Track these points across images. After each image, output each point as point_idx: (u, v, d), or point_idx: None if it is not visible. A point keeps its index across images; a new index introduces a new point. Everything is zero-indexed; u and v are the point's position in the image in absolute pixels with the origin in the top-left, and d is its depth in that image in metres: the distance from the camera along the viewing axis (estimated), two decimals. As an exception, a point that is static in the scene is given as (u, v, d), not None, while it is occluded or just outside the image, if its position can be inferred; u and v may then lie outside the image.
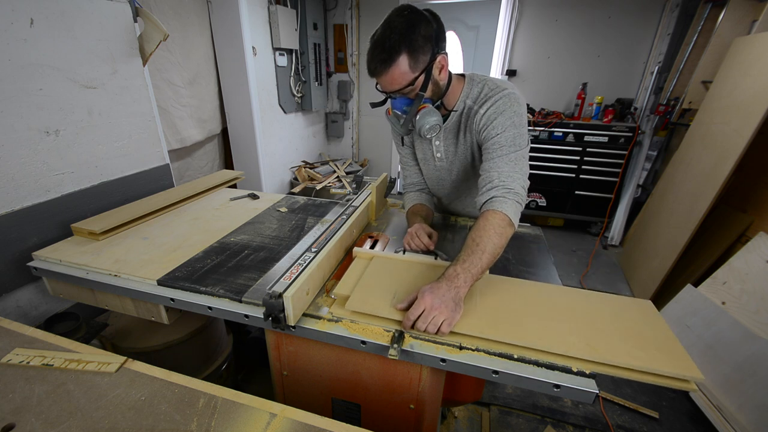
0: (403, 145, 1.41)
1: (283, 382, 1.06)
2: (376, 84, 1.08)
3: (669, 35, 3.25)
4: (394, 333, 0.86)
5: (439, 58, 1.03)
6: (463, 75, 1.20)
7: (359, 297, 0.93)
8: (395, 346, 0.81)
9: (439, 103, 1.14)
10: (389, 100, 1.14)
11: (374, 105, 1.18)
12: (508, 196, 1.01)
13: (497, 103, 1.09)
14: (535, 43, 3.72)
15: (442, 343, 0.84)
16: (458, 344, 0.83)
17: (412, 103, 1.08)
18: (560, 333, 0.84)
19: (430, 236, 1.20)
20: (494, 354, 0.82)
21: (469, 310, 0.90)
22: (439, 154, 1.29)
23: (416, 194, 1.44)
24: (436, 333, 0.85)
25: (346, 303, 0.91)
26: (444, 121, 1.20)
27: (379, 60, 0.99)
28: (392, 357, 0.80)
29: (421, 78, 1.03)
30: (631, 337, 0.83)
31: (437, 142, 1.26)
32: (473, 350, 0.83)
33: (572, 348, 0.79)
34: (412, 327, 0.85)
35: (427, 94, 1.07)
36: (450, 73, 1.14)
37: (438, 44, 1.02)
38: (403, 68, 0.99)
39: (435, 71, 1.05)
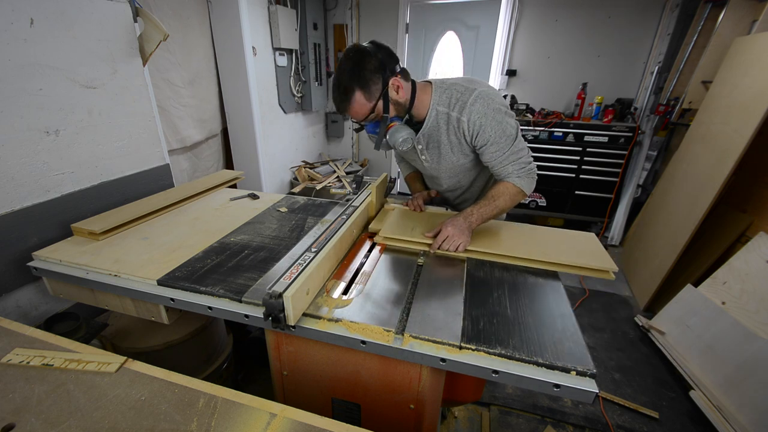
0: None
1: (283, 382, 1.06)
2: (350, 117, 1.22)
3: (669, 35, 3.25)
4: (420, 252, 1.24)
5: (391, 81, 1.15)
6: (429, 82, 1.27)
7: (389, 229, 1.31)
8: (422, 257, 1.21)
9: (407, 117, 1.26)
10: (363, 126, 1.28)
11: (357, 129, 1.31)
12: (522, 173, 1.24)
13: (475, 108, 1.18)
14: (535, 43, 3.72)
15: (442, 343, 0.84)
16: (458, 344, 0.83)
17: (380, 125, 1.22)
18: (530, 248, 1.23)
19: (430, 197, 1.55)
20: (494, 354, 0.82)
21: (476, 238, 1.27)
22: (424, 157, 1.38)
23: (409, 164, 1.64)
24: (456, 251, 1.21)
25: (380, 232, 1.30)
26: (420, 128, 1.29)
27: (339, 100, 1.16)
28: (419, 264, 1.17)
29: (380, 103, 1.16)
30: (574, 250, 1.22)
31: (420, 146, 1.34)
32: (473, 350, 0.83)
33: (535, 255, 1.18)
34: (439, 248, 1.22)
35: (392, 113, 1.20)
36: (414, 84, 1.24)
37: (387, 71, 1.13)
38: (360, 102, 1.14)
39: (392, 93, 1.17)
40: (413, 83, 1.24)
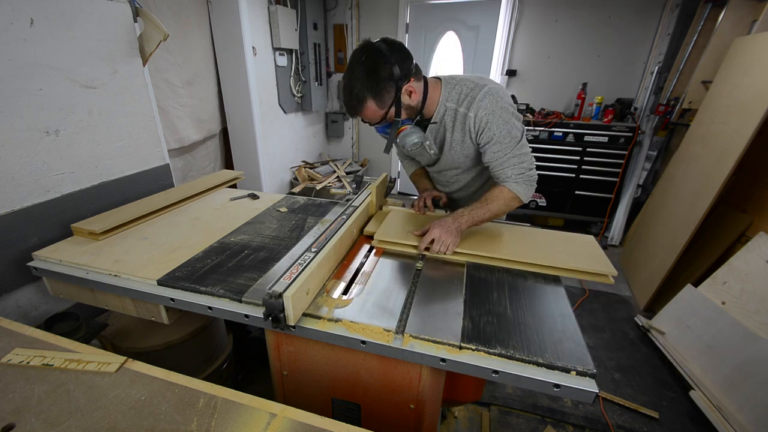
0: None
1: (283, 382, 1.06)
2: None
3: (669, 35, 3.25)
4: (418, 256, 1.22)
5: (404, 87, 1.11)
6: (438, 79, 1.25)
7: (383, 233, 1.28)
8: (420, 262, 1.19)
9: (418, 117, 1.23)
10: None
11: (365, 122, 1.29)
12: (520, 179, 1.21)
13: (483, 104, 1.15)
14: (535, 43, 3.72)
15: (442, 343, 0.84)
16: (458, 344, 0.83)
17: (391, 127, 1.19)
18: (529, 252, 1.20)
19: (439, 198, 1.49)
20: (494, 354, 0.82)
21: (467, 240, 1.25)
22: (433, 151, 1.35)
23: (415, 162, 1.61)
24: (445, 253, 1.19)
25: (375, 235, 1.27)
26: (428, 125, 1.28)
27: (351, 106, 1.13)
28: (418, 268, 1.15)
29: (392, 109, 1.13)
30: (574, 253, 1.20)
31: (427, 143, 1.31)
32: (473, 350, 0.83)
33: (534, 258, 1.16)
34: (427, 249, 1.20)
35: (403, 116, 1.17)
36: (426, 82, 1.21)
37: (401, 76, 1.09)
38: (372, 109, 1.12)
39: (404, 98, 1.14)
40: (425, 81, 1.21)
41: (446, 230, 1.19)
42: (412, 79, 1.12)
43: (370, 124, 1.21)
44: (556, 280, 1.13)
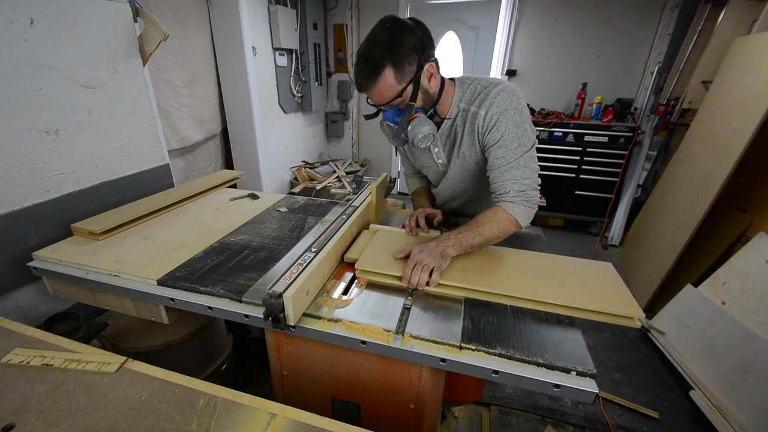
0: (403, 153, 1.43)
1: (283, 382, 1.06)
2: (367, 98, 1.09)
3: (669, 35, 3.25)
4: (408, 289, 1.01)
5: (426, 67, 1.02)
6: (453, 79, 1.18)
7: (366, 259, 1.08)
8: (410, 298, 0.98)
9: (432, 111, 1.13)
10: (381, 112, 1.13)
11: (368, 117, 1.18)
12: (518, 200, 1.07)
13: (496, 101, 1.05)
14: (535, 43, 3.72)
15: (442, 343, 0.84)
16: (458, 344, 0.83)
17: (403, 114, 1.08)
18: (538, 286, 0.99)
19: (433, 216, 1.30)
20: (494, 354, 0.82)
21: (457, 268, 1.05)
22: (441, 161, 1.27)
23: (418, 179, 1.54)
24: (428, 283, 0.99)
25: (356, 264, 1.07)
26: (439, 128, 1.18)
27: (365, 75, 1.00)
28: (406, 306, 0.96)
29: (410, 88, 1.03)
30: (591, 287, 0.99)
31: (436, 149, 1.23)
32: (473, 350, 0.83)
33: (543, 295, 0.95)
34: (409, 282, 0.99)
35: (418, 103, 1.07)
36: (443, 78, 1.13)
37: (424, 53, 1.01)
38: (389, 81, 1.00)
39: (424, 80, 1.04)
40: (442, 78, 1.12)
41: (427, 253, 1.01)
42: (433, 63, 1.04)
43: (377, 106, 1.09)
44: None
